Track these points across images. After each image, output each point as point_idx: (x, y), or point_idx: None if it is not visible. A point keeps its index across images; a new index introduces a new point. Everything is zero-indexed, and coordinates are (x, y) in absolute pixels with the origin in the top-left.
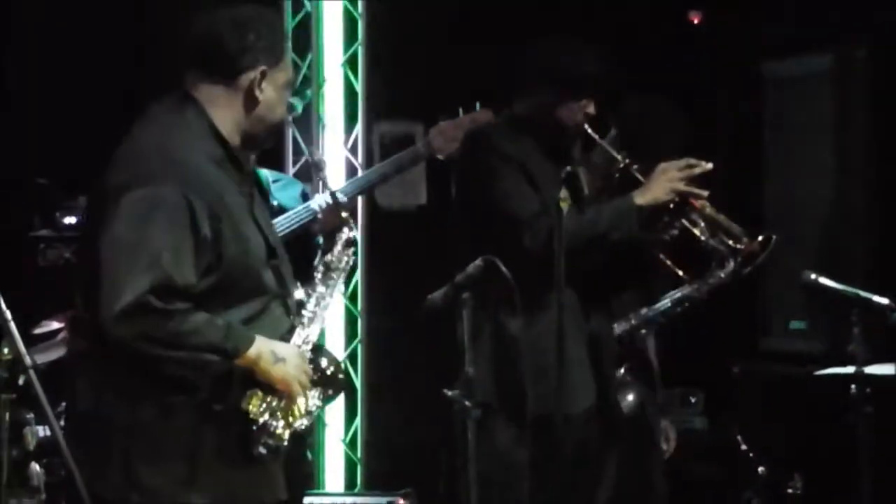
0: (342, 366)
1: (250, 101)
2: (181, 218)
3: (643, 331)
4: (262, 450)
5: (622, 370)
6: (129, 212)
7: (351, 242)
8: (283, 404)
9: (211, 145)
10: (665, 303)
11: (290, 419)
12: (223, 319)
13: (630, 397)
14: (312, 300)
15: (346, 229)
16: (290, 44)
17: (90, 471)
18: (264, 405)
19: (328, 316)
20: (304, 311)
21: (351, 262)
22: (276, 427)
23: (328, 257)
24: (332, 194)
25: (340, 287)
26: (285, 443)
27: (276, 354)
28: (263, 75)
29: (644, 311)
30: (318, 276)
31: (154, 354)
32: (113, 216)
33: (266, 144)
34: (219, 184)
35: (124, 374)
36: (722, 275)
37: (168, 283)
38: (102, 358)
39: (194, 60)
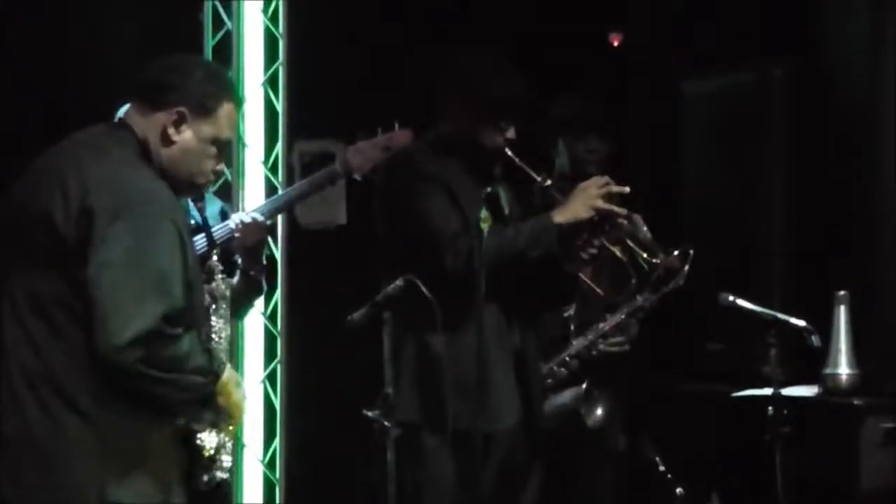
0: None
1: (165, 139)
2: (175, 241)
3: (600, 343)
4: (206, 479)
5: (584, 384)
6: (127, 237)
7: (223, 271)
8: (228, 439)
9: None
10: (619, 316)
11: (229, 455)
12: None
13: (598, 412)
14: (215, 333)
15: (212, 262)
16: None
17: (53, 497)
18: (216, 439)
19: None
20: (213, 343)
21: (230, 289)
22: (222, 462)
23: (211, 285)
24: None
25: (228, 315)
26: (227, 476)
27: (237, 380)
28: (181, 117)
29: (601, 325)
30: (210, 308)
31: (152, 378)
32: (106, 241)
33: (183, 194)
34: (180, 212)
35: (96, 396)
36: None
37: (176, 308)
38: (70, 380)
39: (133, 90)
